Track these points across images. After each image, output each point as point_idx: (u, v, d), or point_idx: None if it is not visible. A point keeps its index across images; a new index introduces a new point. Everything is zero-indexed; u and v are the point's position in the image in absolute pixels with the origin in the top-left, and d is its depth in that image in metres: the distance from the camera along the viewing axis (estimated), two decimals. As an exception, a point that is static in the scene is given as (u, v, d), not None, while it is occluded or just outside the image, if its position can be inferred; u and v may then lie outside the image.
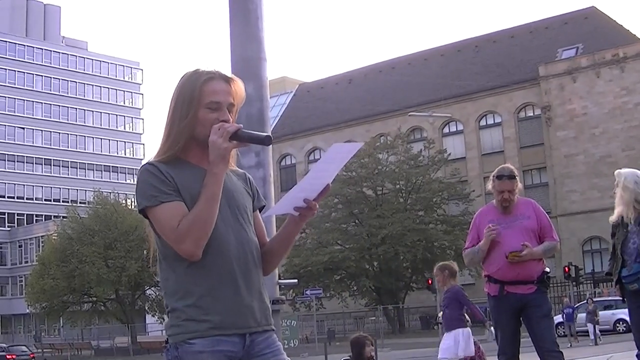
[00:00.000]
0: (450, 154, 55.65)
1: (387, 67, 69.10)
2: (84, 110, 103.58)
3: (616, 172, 6.81)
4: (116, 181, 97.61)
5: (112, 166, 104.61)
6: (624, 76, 53.07)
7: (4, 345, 55.81)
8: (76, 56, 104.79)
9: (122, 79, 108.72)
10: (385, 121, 62.31)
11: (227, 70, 3.18)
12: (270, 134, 3.06)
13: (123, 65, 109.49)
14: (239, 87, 3.13)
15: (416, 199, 52.12)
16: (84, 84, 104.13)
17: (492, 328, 7.74)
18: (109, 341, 59.18)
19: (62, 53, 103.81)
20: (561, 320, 30.62)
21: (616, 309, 35.66)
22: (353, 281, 52.71)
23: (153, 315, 61.94)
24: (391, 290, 52.27)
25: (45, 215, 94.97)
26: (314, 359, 32.55)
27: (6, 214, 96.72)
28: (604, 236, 50.19)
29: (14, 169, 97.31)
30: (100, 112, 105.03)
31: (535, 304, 6.74)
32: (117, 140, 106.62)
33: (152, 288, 59.45)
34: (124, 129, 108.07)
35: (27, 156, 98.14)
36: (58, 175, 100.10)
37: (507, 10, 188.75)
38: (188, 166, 3.07)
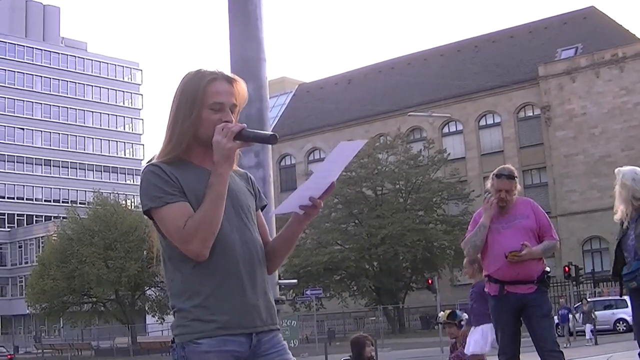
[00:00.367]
0: (449, 154, 55.65)
1: (386, 67, 69.11)
2: (84, 110, 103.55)
3: (616, 170, 6.83)
4: (116, 182, 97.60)
5: (112, 167, 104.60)
6: (623, 76, 53.08)
7: None
8: (75, 57, 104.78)
9: (122, 79, 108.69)
10: (385, 121, 62.32)
11: (228, 71, 3.18)
12: (274, 133, 3.05)
13: (122, 66, 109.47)
14: (242, 87, 3.13)
15: (416, 199, 52.13)
16: (84, 84, 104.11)
17: None
18: (109, 342, 59.18)
19: (62, 54, 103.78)
20: (557, 321, 30.63)
21: (616, 308, 35.70)
22: (353, 281, 52.72)
23: (153, 316, 61.93)
24: (391, 290, 52.28)
25: (45, 216, 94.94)
26: (314, 359, 32.53)
27: (6, 215, 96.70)
28: (604, 236, 50.28)
29: (14, 170, 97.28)
30: (100, 113, 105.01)
31: (536, 304, 6.74)
32: (116, 141, 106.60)
33: (152, 288, 59.46)
34: (124, 129, 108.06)
35: (26, 157, 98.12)
36: (58, 176, 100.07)
37: (506, 10, 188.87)
38: (191, 167, 3.07)
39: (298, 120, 69.04)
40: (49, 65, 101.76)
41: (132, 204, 71.05)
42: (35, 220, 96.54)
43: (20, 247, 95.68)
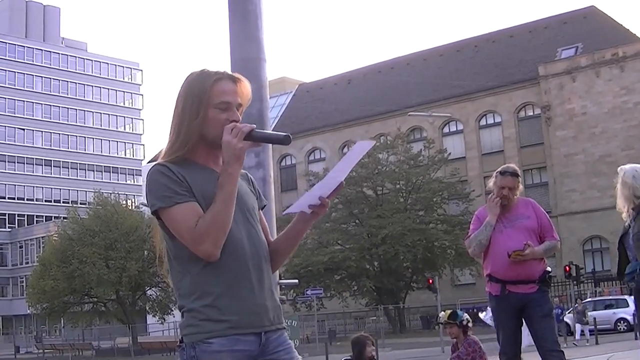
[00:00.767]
0: (450, 153, 55.63)
1: (386, 67, 69.11)
2: (84, 111, 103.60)
3: (619, 168, 6.83)
4: (116, 182, 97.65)
5: (112, 167, 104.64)
6: (623, 75, 53.07)
7: None
8: (76, 57, 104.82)
9: (122, 79, 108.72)
10: (385, 121, 62.30)
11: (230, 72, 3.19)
12: (287, 133, 3.05)
13: (123, 66, 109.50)
14: (246, 87, 3.14)
15: (416, 198, 52.11)
16: (84, 84, 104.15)
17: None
18: (110, 342, 59.17)
19: (62, 54, 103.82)
20: None
21: (617, 308, 35.70)
22: (353, 281, 52.70)
23: (154, 316, 61.93)
24: (392, 290, 52.27)
25: (45, 216, 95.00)
26: (314, 359, 32.53)
27: (7, 215, 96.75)
28: (604, 235, 50.29)
29: (14, 170, 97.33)
30: (100, 113, 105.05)
31: (537, 304, 6.75)
32: (117, 141, 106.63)
33: (153, 288, 59.46)
34: (124, 129, 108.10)
35: (27, 157, 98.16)
36: (58, 176, 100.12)
37: (506, 10, 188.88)
38: (196, 166, 3.08)
39: (298, 120, 69.03)
40: (49, 66, 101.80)
41: (133, 204, 71.10)
42: (36, 221, 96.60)
43: (20, 247, 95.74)
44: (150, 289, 59.87)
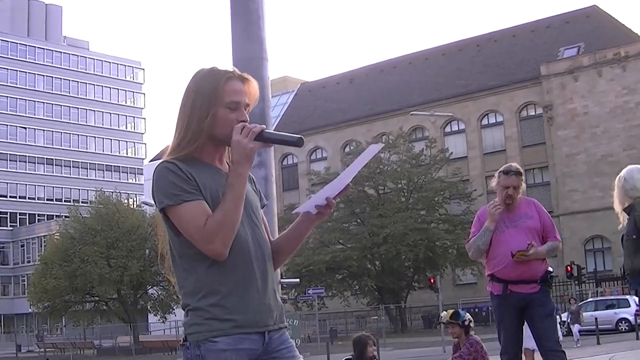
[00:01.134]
0: (452, 153, 55.65)
1: (388, 66, 69.09)
2: (86, 110, 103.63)
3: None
4: (118, 181, 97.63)
5: (114, 166, 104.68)
6: (625, 75, 53.04)
7: None
8: (78, 56, 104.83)
9: (124, 78, 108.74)
10: (387, 120, 62.31)
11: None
12: (301, 136, 3.04)
13: (125, 65, 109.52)
14: (254, 87, 3.14)
15: (418, 198, 52.11)
16: (86, 83, 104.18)
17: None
18: (111, 340, 59.16)
19: (64, 53, 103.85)
20: None
21: (618, 308, 35.66)
22: (355, 280, 52.71)
23: (155, 315, 61.97)
24: (393, 289, 52.28)
25: (47, 215, 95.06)
26: (316, 358, 32.52)
27: (8, 214, 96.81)
28: (606, 235, 50.28)
29: (16, 169, 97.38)
30: (102, 112, 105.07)
31: (539, 304, 6.74)
32: (118, 140, 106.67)
33: (154, 287, 59.48)
34: (126, 128, 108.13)
35: (29, 156, 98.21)
36: (60, 175, 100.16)
37: (508, 9, 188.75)
38: (202, 165, 3.07)
39: (300, 119, 69.04)
40: (51, 65, 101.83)
41: (135, 203, 71.11)
42: (38, 220, 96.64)
43: (22, 246, 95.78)
44: (151, 287, 59.89)
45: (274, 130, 3.31)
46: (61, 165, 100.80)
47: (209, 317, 2.97)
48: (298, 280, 16.50)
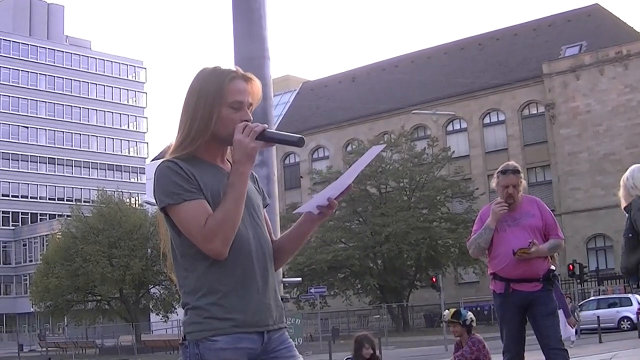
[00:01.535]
0: (453, 151, 55.61)
1: (390, 65, 69.07)
2: (88, 109, 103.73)
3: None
4: (120, 180, 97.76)
5: (116, 165, 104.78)
6: (627, 73, 53.00)
7: None
8: (80, 55, 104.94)
9: (126, 77, 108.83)
10: (389, 119, 62.30)
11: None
12: (302, 135, 3.05)
13: (126, 64, 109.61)
14: (257, 87, 3.14)
15: (420, 197, 52.08)
16: (88, 83, 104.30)
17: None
18: (114, 340, 59.20)
19: (66, 52, 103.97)
20: None
21: (620, 306, 35.63)
22: (357, 279, 52.67)
23: (157, 314, 62.02)
24: (395, 288, 52.24)
25: (49, 214, 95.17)
26: (318, 357, 32.52)
27: (10, 213, 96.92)
28: (608, 234, 50.26)
29: (18, 168, 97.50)
30: (104, 111, 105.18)
31: (541, 302, 6.73)
32: (120, 139, 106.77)
33: (157, 287, 59.52)
34: (128, 127, 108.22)
35: (31, 155, 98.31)
36: (62, 174, 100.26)
37: (510, 8, 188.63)
38: (204, 164, 3.07)
39: (302, 118, 69.04)
40: (53, 64, 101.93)
41: (137, 202, 71.13)
42: (40, 219, 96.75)
43: (24, 245, 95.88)
44: (153, 287, 59.94)
45: (275, 129, 3.31)
46: (63, 165, 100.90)
47: (208, 316, 2.96)
48: (300, 279, 16.55)
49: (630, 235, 6.29)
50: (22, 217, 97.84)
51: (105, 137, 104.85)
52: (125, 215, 58.42)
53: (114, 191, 64.88)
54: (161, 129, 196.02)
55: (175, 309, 57.44)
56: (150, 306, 63.00)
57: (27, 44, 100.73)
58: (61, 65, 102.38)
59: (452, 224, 50.62)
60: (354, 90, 67.50)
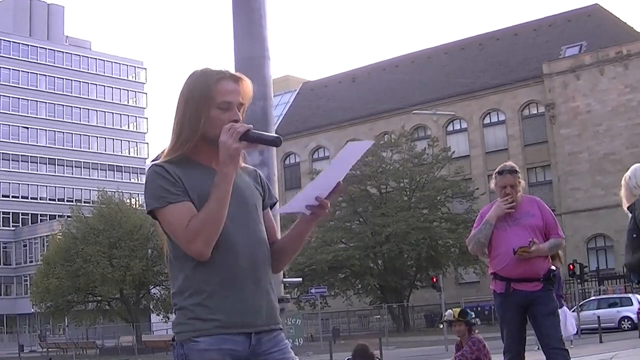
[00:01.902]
0: (454, 152, 55.62)
1: (390, 65, 69.09)
2: (88, 109, 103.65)
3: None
4: (120, 180, 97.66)
5: (116, 165, 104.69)
6: (627, 73, 53.02)
7: None
8: (80, 56, 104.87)
9: (126, 78, 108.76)
10: (389, 119, 62.33)
11: (232, 70, 3.19)
12: (279, 135, 3.05)
13: (127, 65, 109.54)
14: (247, 86, 3.14)
15: (420, 197, 52.09)
16: (88, 83, 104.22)
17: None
18: (114, 340, 59.22)
19: (66, 52, 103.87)
20: None
21: (621, 306, 35.62)
22: (357, 279, 52.68)
23: (158, 315, 62.00)
24: (396, 288, 52.25)
25: (49, 215, 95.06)
26: (318, 358, 32.51)
27: (11, 214, 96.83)
28: (608, 234, 50.29)
29: (18, 169, 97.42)
30: (104, 112, 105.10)
31: (541, 302, 6.73)
32: (121, 140, 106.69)
33: (157, 287, 59.53)
34: (128, 128, 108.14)
35: (31, 156, 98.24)
36: (62, 175, 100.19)
37: (510, 8, 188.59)
38: (197, 166, 3.08)
39: (302, 118, 69.06)
40: (53, 64, 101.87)
41: (137, 202, 71.12)
42: (40, 219, 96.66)
43: (25, 246, 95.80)
44: (154, 287, 59.96)
45: (275, 129, 3.31)
46: (63, 165, 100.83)
47: (192, 316, 2.97)
48: (300, 279, 16.48)
49: (635, 235, 6.29)
50: (22, 218, 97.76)
51: (105, 138, 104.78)
52: (126, 215, 58.44)
53: (114, 192, 64.88)
54: (161, 130, 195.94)
55: (176, 309, 57.44)
56: (151, 307, 63.00)
57: (27, 45, 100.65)
58: (61, 66, 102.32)
59: (452, 224, 50.63)
60: (354, 91, 67.51)
